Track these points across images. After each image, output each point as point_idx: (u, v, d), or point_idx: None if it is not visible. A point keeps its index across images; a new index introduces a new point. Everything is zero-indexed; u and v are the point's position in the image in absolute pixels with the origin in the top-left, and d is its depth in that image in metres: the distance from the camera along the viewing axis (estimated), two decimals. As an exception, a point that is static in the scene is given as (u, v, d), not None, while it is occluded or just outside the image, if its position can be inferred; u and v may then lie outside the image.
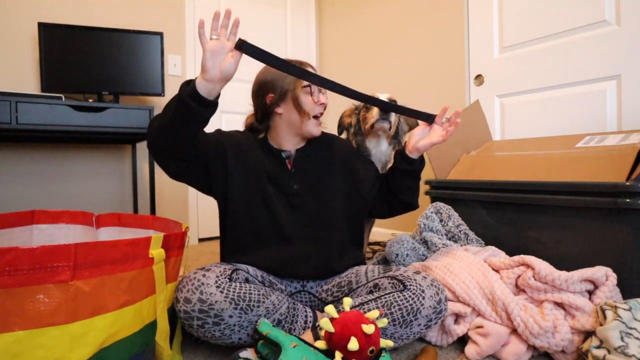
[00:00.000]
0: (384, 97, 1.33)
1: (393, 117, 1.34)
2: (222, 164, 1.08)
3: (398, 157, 1.16)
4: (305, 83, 1.05)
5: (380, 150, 1.42)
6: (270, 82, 1.10)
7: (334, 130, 1.46)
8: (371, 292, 1.00)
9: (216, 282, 0.87)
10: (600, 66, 1.61)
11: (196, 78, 0.87)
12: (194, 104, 0.86)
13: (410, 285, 0.92)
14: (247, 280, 0.95)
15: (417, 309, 0.89)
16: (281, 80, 1.08)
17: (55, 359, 0.63)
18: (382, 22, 2.59)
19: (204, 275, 0.88)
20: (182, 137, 0.93)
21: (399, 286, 0.94)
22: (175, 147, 0.95)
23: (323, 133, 1.24)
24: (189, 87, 0.86)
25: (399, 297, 0.91)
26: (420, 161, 1.15)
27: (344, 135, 1.50)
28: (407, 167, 1.13)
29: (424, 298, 0.90)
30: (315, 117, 1.10)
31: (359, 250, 1.21)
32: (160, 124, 0.92)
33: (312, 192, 1.12)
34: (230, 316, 0.85)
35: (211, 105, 0.89)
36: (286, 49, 3.00)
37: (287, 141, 1.13)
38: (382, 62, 2.60)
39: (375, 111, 1.32)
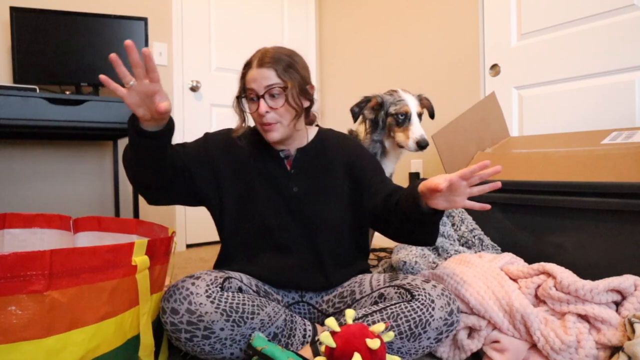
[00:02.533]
0: (410, 97, 1.40)
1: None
2: (210, 170, 1.10)
3: (409, 192, 0.95)
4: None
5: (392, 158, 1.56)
6: None
7: (342, 128, 1.45)
8: (376, 302, 1.00)
9: (206, 291, 0.87)
10: (629, 55, 1.61)
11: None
12: (146, 140, 0.89)
13: (419, 294, 0.92)
14: (240, 290, 0.95)
15: (427, 321, 0.89)
16: None
17: (29, 376, 0.63)
18: (389, 8, 2.59)
19: (193, 284, 0.88)
20: (150, 167, 0.96)
21: (407, 296, 0.94)
22: (148, 176, 0.98)
23: (331, 130, 1.22)
24: (134, 124, 0.88)
25: (406, 307, 0.91)
26: (434, 212, 0.91)
27: (359, 125, 1.56)
28: (412, 211, 0.94)
29: (433, 309, 0.90)
30: (261, 124, 1.06)
31: (363, 260, 1.21)
32: (128, 158, 0.97)
33: (313, 196, 1.11)
34: (222, 329, 0.85)
35: (162, 134, 0.90)
36: (283, 40, 2.94)
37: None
38: (389, 52, 2.60)
39: (412, 141, 1.40)
